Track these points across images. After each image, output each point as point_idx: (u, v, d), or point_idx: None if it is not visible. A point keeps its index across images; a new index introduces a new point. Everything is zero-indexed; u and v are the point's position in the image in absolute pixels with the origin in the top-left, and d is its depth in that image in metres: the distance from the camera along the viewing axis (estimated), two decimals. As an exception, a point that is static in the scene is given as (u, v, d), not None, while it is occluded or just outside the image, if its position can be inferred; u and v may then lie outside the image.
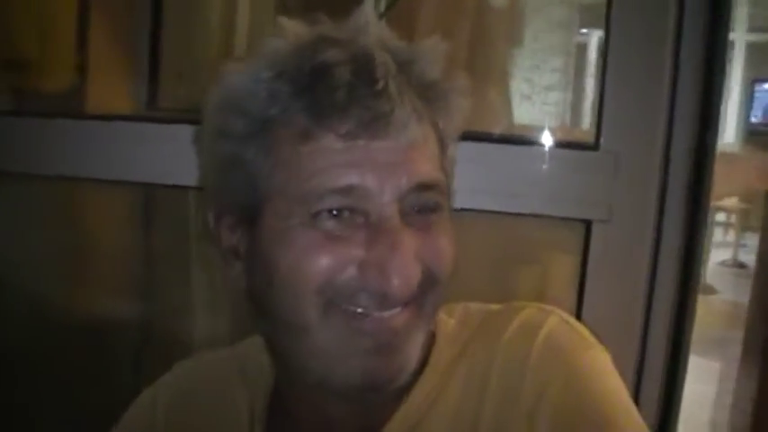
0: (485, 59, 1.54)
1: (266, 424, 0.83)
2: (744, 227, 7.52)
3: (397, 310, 0.71)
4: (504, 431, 0.73)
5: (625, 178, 1.04)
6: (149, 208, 1.80)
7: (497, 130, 1.49)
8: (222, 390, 0.87)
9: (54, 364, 1.57)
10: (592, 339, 0.78)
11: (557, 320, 0.78)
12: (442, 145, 0.76)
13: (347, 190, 0.68)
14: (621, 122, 1.04)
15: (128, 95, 1.71)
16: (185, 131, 1.30)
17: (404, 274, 0.68)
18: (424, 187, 0.71)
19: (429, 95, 0.73)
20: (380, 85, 0.68)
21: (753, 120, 7.62)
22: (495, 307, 0.83)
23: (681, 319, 1.14)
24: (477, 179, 1.04)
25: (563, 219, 1.07)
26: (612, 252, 1.05)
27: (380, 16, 1.52)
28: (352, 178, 0.68)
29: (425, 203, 0.72)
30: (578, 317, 1.06)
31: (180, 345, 1.66)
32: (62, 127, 1.40)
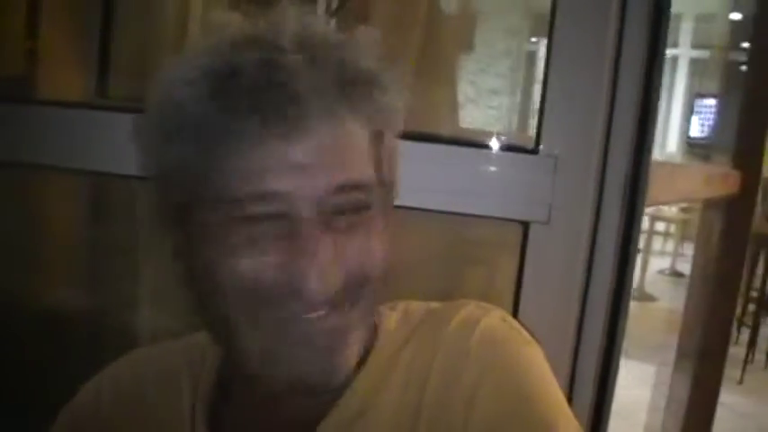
0: (434, 61, 1.57)
1: (210, 415, 0.84)
2: (683, 237, 7.69)
3: (323, 312, 0.71)
4: (443, 420, 0.75)
5: (564, 182, 1.07)
6: (98, 197, 1.79)
7: (444, 131, 1.52)
8: (168, 382, 0.87)
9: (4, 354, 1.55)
10: (529, 337, 0.81)
11: (496, 316, 0.81)
12: (376, 137, 0.74)
13: (263, 195, 0.68)
14: (561, 127, 1.07)
15: (77, 84, 1.70)
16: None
17: (320, 279, 0.68)
18: (345, 188, 0.70)
19: (358, 86, 0.72)
20: (288, 88, 0.67)
21: (694, 133, 7.81)
22: (435, 304, 0.85)
23: (614, 320, 1.18)
24: (420, 178, 1.06)
25: (502, 220, 1.09)
26: (550, 253, 1.08)
27: (332, 15, 1.54)
28: (267, 183, 0.68)
29: (348, 205, 0.71)
30: (515, 316, 1.09)
31: (131, 336, 1.66)
32: (11, 112, 1.39)
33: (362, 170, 0.72)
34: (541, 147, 1.07)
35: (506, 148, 1.09)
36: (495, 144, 1.09)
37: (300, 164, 0.68)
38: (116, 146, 1.31)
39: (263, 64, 0.67)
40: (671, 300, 5.37)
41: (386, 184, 0.76)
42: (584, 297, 1.12)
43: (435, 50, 1.59)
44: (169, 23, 1.81)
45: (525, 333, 0.82)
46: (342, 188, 0.70)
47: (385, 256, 0.74)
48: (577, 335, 1.13)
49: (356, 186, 0.71)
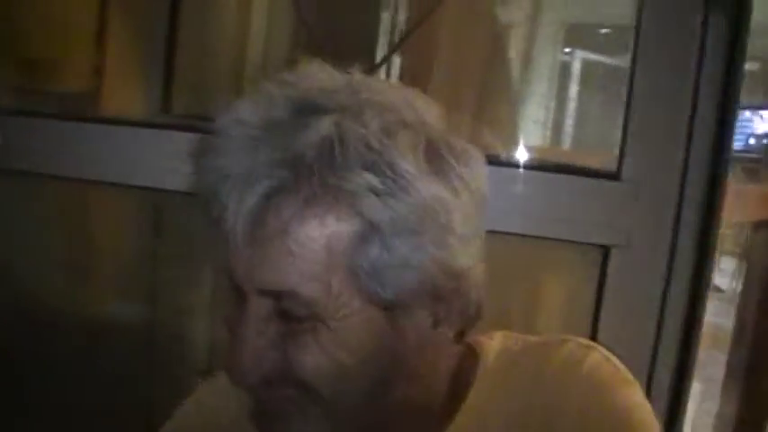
0: (499, 83, 1.59)
1: None
2: (720, 251, 7.61)
3: (253, 389, 0.69)
4: None
5: (644, 207, 1.09)
6: (158, 212, 1.82)
7: (504, 150, 1.53)
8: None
9: (59, 365, 1.59)
10: (628, 375, 0.80)
11: (598, 356, 0.80)
12: (362, 240, 0.64)
13: (226, 269, 0.67)
14: (643, 153, 1.09)
15: (142, 100, 1.73)
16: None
17: (235, 362, 0.67)
18: (276, 294, 0.65)
19: (348, 183, 0.62)
20: (232, 204, 0.63)
21: (734, 148, 7.71)
22: (533, 338, 0.85)
23: (688, 341, 1.19)
24: (502, 203, 1.08)
25: (584, 244, 1.11)
26: (629, 277, 1.10)
27: (396, 47, 1.56)
28: (231, 263, 0.67)
29: (283, 310, 0.66)
30: (594, 337, 1.10)
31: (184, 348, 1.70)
32: (76, 129, 1.43)
33: (301, 282, 0.64)
34: (623, 172, 1.08)
35: (587, 173, 1.11)
36: (576, 169, 1.11)
37: (248, 258, 0.65)
38: (178, 162, 1.36)
39: (225, 177, 0.64)
40: (710, 314, 5.32)
41: (375, 301, 0.66)
42: (660, 322, 1.14)
43: (499, 71, 1.60)
44: (232, 42, 1.85)
45: (625, 371, 0.80)
46: (269, 293, 0.65)
47: (322, 372, 0.67)
48: (653, 356, 1.15)
49: (287, 296, 0.65)
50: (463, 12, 1.59)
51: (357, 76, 0.70)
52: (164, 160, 1.34)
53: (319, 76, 0.70)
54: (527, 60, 1.72)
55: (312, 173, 0.62)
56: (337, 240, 0.64)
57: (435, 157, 0.67)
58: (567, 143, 1.63)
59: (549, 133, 1.53)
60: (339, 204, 0.63)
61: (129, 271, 1.79)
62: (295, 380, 0.67)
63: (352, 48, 1.56)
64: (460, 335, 0.77)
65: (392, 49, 1.58)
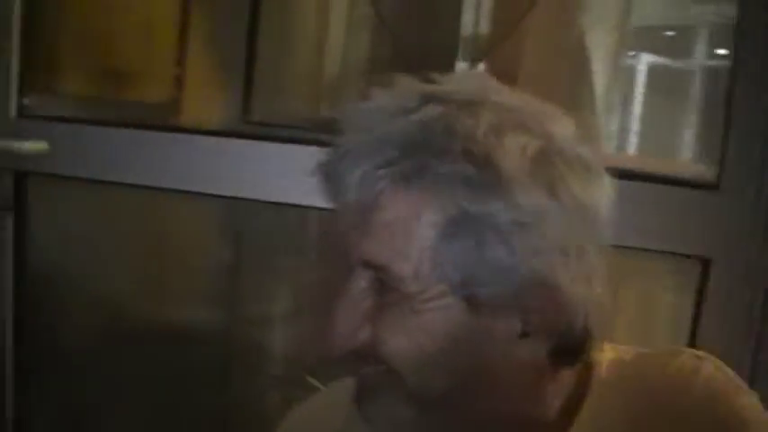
0: (580, 90, 1.57)
1: None
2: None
3: (356, 361, 0.70)
4: None
5: (744, 218, 1.07)
6: (237, 221, 1.84)
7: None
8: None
9: (140, 372, 1.62)
10: (743, 384, 0.79)
11: (712, 366, 0.78)
12: (452, 229, 0.64)
13: (342, 247, 0.69)
14: (742, 163, 1.07)
15: (222, 109, 1.75)
16: (275, 149, 1.38)
17: (330, 333, 0.68)
18: (371, 266, 0.67)
19: (445, 169, 0.63)
20: (348, 180, 0.66)
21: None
22: (644, 350, 0.83)
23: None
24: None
25: (681, 255, 1.09)
26: (729, 290, 1.08)
27: (475, 61, 1.56)
28: (345, 236, 0.69)
29: (380, 284, 0.68)
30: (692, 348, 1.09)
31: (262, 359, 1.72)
32: (157, 139, 1.46)
33: (394, 257, 0.66)
34: (722, 183, 1.07)
35: (688, 183, 1.09)
36: (675, 179, 1.10)
37: (348, 225, 0.68)
38: (259, 172, 1.38)
39: (342, 157, 0.68)
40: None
41: (460, 294, 0.66)
42: (761, 334, 1.12)
43: (580, 79, 1.59)
44: (311, 50, 1.86)
45: (739, 380, 0.79)
46: (367, 264, 0.67)
47: (400, 350, 0.67)
48: (752, 369, 1.13)
49: (380, 268, 0.67)
50: (546, 20, 1.58)
51: (494, 85, 0.71)
52: (243, 169, 1.37)
53: (462, 77, 0.71)
54: (601, 66, 1.70)
55: (413, 154, 0.64)
56: (428, 223, 0.64)
57: (543, 164, 0.65)
58: (636, 149, 1.60)
59: (617, 140, 1.50)
60: (433, 188, 0.64)
61: (208, 280, 1.81)
62: (380, 358, 0.68)
63: (433, 57, 1.56)
64: (574, 358, 0.75)
65: (475, 61, 1.58)
